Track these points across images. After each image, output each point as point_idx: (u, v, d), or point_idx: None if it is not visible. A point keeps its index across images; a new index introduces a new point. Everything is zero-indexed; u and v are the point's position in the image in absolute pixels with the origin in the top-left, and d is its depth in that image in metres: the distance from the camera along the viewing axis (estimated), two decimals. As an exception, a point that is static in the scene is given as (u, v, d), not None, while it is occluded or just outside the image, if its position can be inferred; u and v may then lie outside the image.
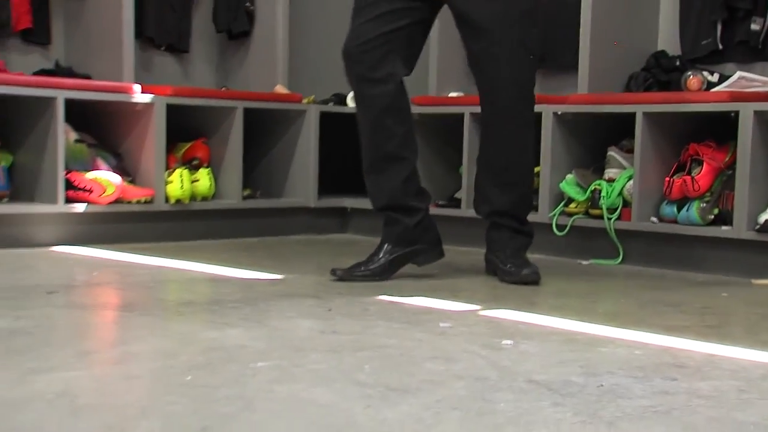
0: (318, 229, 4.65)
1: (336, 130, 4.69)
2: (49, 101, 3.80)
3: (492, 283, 3.17)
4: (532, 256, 3.81)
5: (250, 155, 4.54)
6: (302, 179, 4.62)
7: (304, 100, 4.59)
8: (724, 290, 3.17)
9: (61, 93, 3.81)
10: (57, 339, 2.07)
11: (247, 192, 4.48)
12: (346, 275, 3.05)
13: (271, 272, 3.28)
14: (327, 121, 4.62)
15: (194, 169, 4.29)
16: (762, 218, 3.39)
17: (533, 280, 3.12)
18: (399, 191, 3.13)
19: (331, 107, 4.71)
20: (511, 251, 3.23)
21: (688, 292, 3.15)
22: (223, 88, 4.79)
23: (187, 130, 4.38)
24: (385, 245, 3.12)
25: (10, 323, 2.21)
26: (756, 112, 3.43)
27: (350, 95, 4.70)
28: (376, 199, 3.20)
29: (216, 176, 4.37)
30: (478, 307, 2.64)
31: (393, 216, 3.13)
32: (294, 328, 2.24)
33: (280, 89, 4.60)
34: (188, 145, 4.39)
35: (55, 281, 2.99)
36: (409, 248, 3.14)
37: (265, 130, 4.63)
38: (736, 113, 3.49)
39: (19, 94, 3.79)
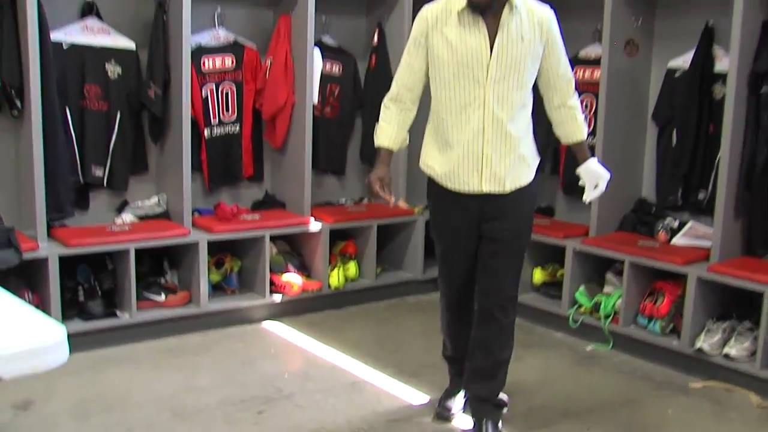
0: (424, 290, 5.30)
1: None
2: (262, 237, 4.64)
3: None
4: (558, 335, 4.56)
5: (380, 243, 5.20)
6: (413, 259, 5.30)
7: (416, 210, 5.24)
8: (671, 402, 3.72)
9: (267, 231, 4.62)
10: None
11: (379, 270, 5.22)
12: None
13: (392, 375, 3.91)
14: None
15: (347, 260, 5.09)
16: (698, 344, 4.00)
17: None
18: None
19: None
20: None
21: (651, 404, 3.71)
22: (366, 199, 5.49)
23: (343, 233, 5.11)
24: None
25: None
26: (698, 278, 4.07)
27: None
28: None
29: (359, 263, 5.12)
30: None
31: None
32: None
33: (402, 203, 5.25)
34: (343, 243, 5.11)
35: (262, 391, 3.69)
36: None
37: (391, 228, 5.30)
38: (686, 274, 4.13)
39: (244, 237, 4.64)
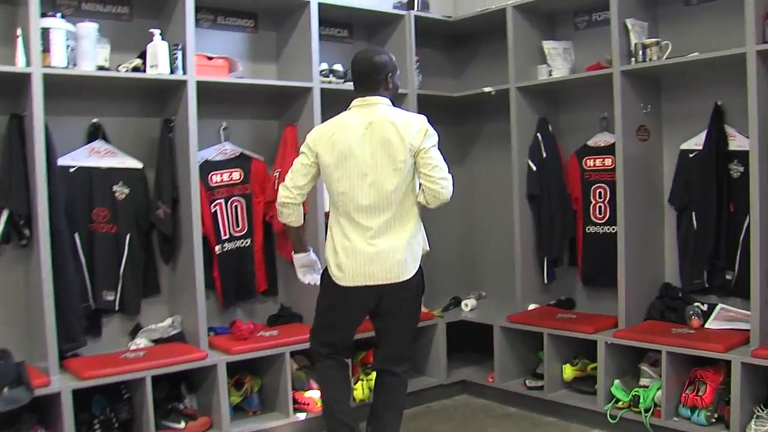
0: (449, 395, 5.09)
1: (456, 327, 5.23)
2: (282, 354, 4.38)
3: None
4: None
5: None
6: (436, 364, 5.09)
7: (435, 313, 5.09)
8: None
9: (287, 348, 4.37)
10: None
11: (403, 377, 5.00)
12: None
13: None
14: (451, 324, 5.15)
15: (369, 370, 4.82)
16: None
17: None
18: None
19: (453, 315, 5.24)
20: None
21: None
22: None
23: (364, 343, 4.71)
24: None
25: None
26: (743, 363, 3.82)
27: (464, 301, 5.25)
28: None
29: (382, 372, 4.88)
30: None
31: None
32: None
33: (422, 308, 5.10)
34: (364, 353, 4.85)
35: None
36: None
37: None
38: (728, 360, 3.89)
39: (266, 355, 4.35)
